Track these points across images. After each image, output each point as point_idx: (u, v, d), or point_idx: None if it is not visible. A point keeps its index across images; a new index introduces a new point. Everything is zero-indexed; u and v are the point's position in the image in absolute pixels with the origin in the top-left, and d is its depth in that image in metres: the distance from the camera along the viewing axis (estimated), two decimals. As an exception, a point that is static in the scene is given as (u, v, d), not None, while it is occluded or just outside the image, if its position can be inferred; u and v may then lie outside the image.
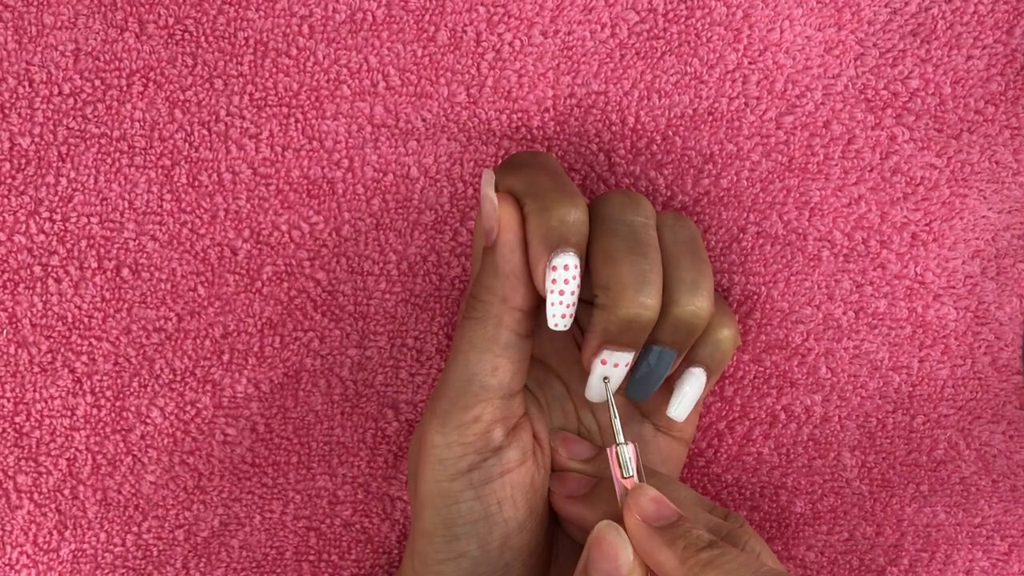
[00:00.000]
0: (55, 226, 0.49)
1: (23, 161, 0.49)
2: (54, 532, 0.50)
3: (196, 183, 0.49)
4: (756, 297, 0.50)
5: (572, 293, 0.43)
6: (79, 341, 0.50)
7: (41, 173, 0.49)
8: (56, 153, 0.49)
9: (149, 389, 0.50)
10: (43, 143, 0.49)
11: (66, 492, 0.50)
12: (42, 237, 0.49)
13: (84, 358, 0.50)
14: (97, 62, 0.49)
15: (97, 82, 0.49)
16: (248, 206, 0.50)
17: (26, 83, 0.49)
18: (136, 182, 0.49)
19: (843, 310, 0.50)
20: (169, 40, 0.49)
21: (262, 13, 0.49)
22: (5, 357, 0.50)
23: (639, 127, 0.50)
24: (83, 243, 0.49)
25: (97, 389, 0.50)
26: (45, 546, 0.50)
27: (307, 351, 0.50)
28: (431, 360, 0.50)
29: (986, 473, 0.51)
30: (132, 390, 0.50)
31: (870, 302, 0.50)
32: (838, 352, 0.51)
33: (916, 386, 0.51)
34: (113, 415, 0.50)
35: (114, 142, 0.49)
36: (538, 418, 0.47)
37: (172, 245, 0.50)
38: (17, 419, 0.50)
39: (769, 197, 0.50)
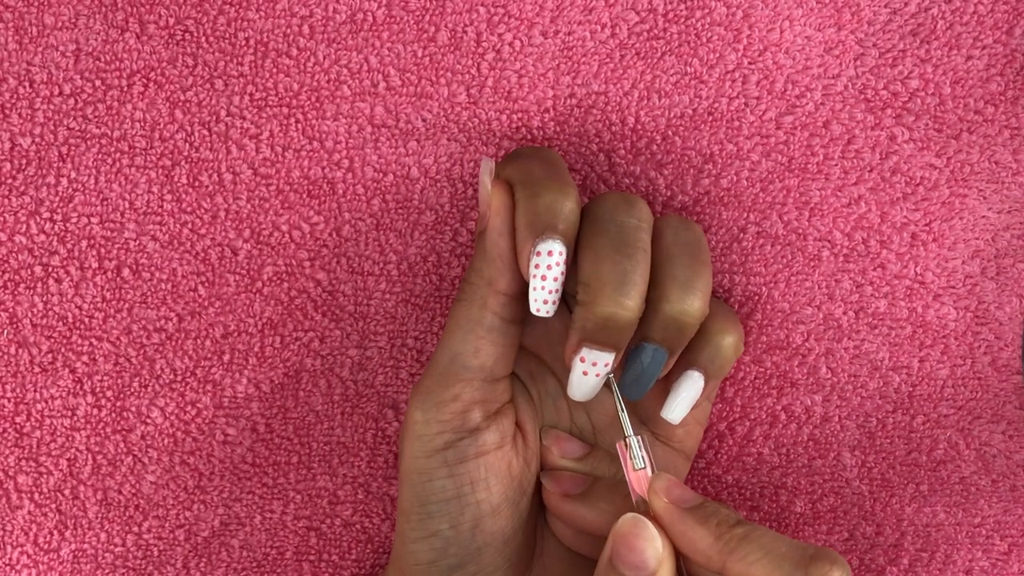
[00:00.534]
0: (56, 226, 0.49)
1: (24, 161, 0.49)
2: (55, 532, 0.50)
3: (196, 183, 0.50)
4: (756, 298, 0.50)
5: (555, 280, 0.43)
6: (80, 341, 0.50)
7: (42, 173, 0.49)
8: (57, 153, 0.49)
9: (150, 389, 0.50)
10: (44, 143, 0.49)
11: (67, 492, 0.50)
12: (43, 237, 0.49)
13: (85, 358, 0.50)
14: (98, 62, 0.49)
15: (98, 82, 0.49)
16: (248, 206, 0.50)
17: (27, 83, 0.49)
18: (136, 182, 0.50)
19: (843, 310, 0.50)
20: (170, 40, 0.49)
21: (262, 13, 0.49)
22: (6, 357, 0.50)
23: (639, 127, 0.50)
24: (84, 243, 0.49)
25: (98, 389, 0.50)
26: (45, 546, 0.50)
27: (307, 351, 0.50)
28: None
29: (986, 473, 0.51)
30: (133, 390, 0.50)
31: (870, 302, 0.50)
32: (838, 352, 0.51)
33: (916, 386, 0.51)
34: (114, 415, 0.50)
35: (115, 142, 0.49)
36: (525, 410, 0.47)
37: (173, 245, 0.50)
38: (18, 419, 0.50)
39: (769, 197, 0.50)
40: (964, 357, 0.51)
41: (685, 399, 0.46)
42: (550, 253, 0.43)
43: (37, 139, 0.49)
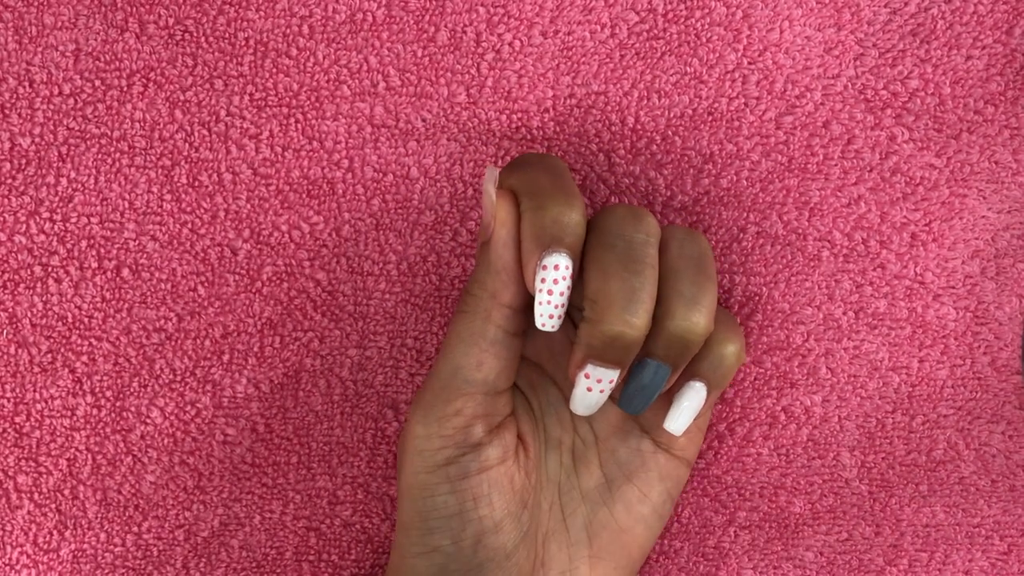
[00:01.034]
0: (55, 226, 0.49)
1: (23, 161, 0.49)
2: (54, 532, 0.50)
3: (196, 183, 0.50)
4: (756, 298, 0.50)
5: (561, 294, 0.42)
6: (79, 341, 0.50)
7: (41, 173, 0.49)
8: (56, 153, 0.49)
9: (149, 389, 0.50)
10: (43, 143, 0.49)
11: (66, 492, 0.50)
12: (42, 237, 0.49)
13: (84, 358, 0.50)
14: (97, 62, 0.49)
15: (97, 82, 0.49)
16: (248, 206, 0.50)
17: (26, 83, 0.49)
18: (136, 182, 0.50)
19: (843, 310, 0.50)
20: (169, 40, 0.49)
21: (262, 13, 0.49)
22: (5, 357, 0.50)
23: (639, 127, 0.50)
24: (83, 243, 0.49)
25: (97, 389, 0.50)
26: (45, 546, 0.50)
27: (307, 351, 0.50)
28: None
29: (985, 473, 0.51)
30: (132, 390, 0.50)
31: (870, 302, 0.50)
32: (838, 352, 0.51)
33: (915, 386, 0.51)
34: (113, 415, 0.50)
35: (114, 142, 0.49)
36: (526, 421, 0.46)
37: (172, 245, 0.50)
38: (17, 419, 0.50)
39: (769, 197, 0.50)
40: (964, 357, 0.51)
41: (688, 410, 0.45)
42: (556, 267, 0.42)
43: (37, 139, 0.49)
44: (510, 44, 0.49)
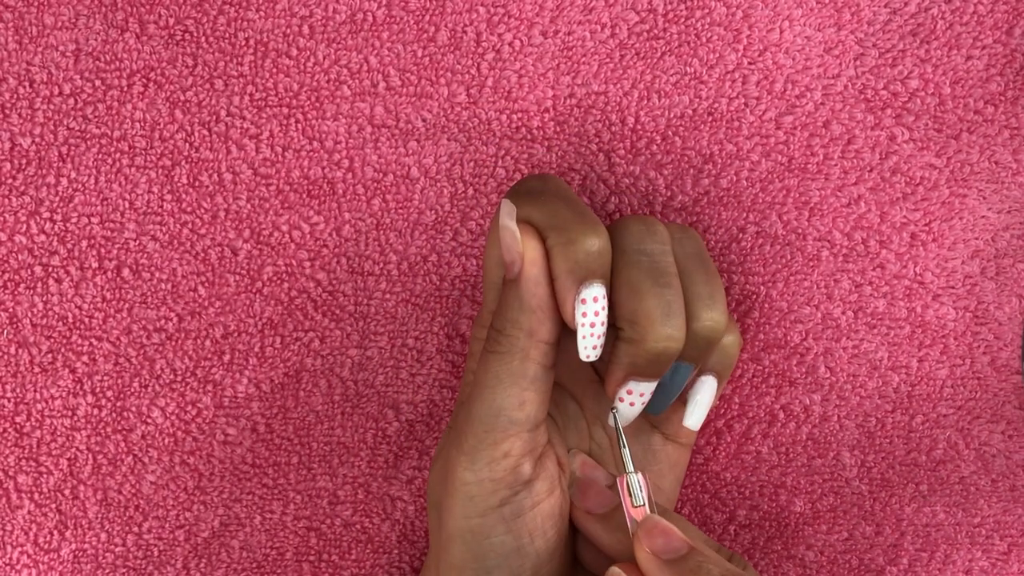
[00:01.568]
0: (56, 226, 0.49)
1: (24, 161, 0.49)
2: (55, 532, 0.50)
3: (196, 183, 0.50)
4: (755, 297, 0.50)
5: (602, 324, 0.42)
6: (80, 341, 0.50)
7: (42, 173, 0.49)
8: (57, 153, 0.49)
9: (150, 389, 0.50)
10: (44, 143, 0.49)
11: (67, 492, 0.50)
12: (43, 237, 0.49)
13: (85, 358, 0.50)
14: (98, 62, 0.49)
15: (98, 82, 0.49)
16: (248, 206, 0.50)
17: (27, 83, 0.49)
18: (137, 182, 0.50)
19: (842, 310, 0.50)
20: (169, 40, 0.49)
21: (262, 13, 0.49)
22: (6, 357, 0.50)
23: (639, 127, 0.50)
24: (84, 243, 0.49)
25: (98, 389, 0.50)
26: (46, 546, 0.50)
27: (308, 351, 0.50)
28: (431, 360, 0.51)
29: (985, 473, 0.51)
30: (133, 390, 0.50)
31: (869, 302, 0.50)
32: (837, 352, 0.51)
33: (915, 386, 0.51)
34: (114, 415, 0.50)
35: (115, 142, 0.49)
36: (558, 442, 0.46)
37: (173, 245, 0.50)
38: (18, 419, 0.50)
39: (769, 197, 0.50)
40: (963, 357, 0.51)
41: (703, 404, 0.46)
42: (596, 299, 0.42)
43: (37, 139, 0.49)
44: (510, 44, 0.49)
